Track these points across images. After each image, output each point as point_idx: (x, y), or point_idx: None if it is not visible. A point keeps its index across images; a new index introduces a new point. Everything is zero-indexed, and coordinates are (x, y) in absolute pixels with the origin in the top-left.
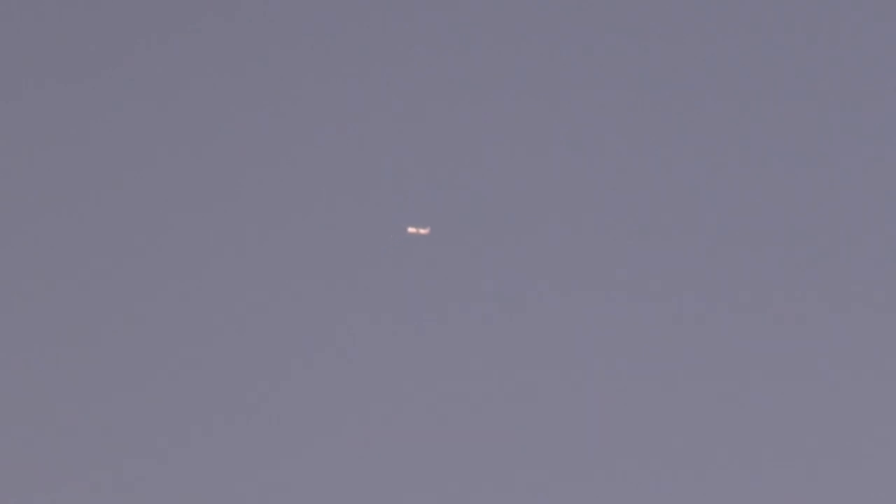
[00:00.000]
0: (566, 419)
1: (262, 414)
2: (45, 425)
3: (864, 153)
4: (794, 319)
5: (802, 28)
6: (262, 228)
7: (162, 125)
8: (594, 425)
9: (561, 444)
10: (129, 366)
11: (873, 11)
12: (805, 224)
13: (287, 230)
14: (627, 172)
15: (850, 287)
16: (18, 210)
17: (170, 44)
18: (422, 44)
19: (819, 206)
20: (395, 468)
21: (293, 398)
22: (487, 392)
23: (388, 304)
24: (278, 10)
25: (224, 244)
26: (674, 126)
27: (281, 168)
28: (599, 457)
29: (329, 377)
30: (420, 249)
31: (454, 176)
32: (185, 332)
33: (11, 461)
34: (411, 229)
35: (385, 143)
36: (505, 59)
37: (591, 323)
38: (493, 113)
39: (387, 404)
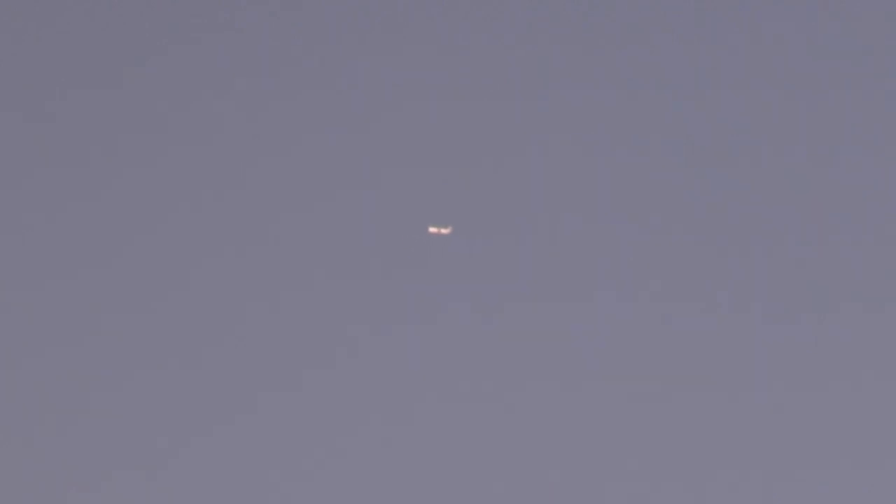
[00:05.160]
0: (566, 422)
1: (264, 417)
2: (63, 430)
3: (863, 155)
4: (792, 323)
5: (801, 31)
6: (274, 228)
7: (170, 131)
8: (592, 427)
9: (560, 447)
10: (133, 370)
11: (873, 12)
12: (803, 227)
13: (299, 231)
14: (630, 177)
15: (850, 288)
16: (31, 217)
17: (172, 49)
18: (427, 47)
19: (817, 208)
20: (393, 471)
21: (301, 396)
22: (494, 393)
23: (392, 306)
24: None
25: (237, 245)
26: (671, 132)
27: (293, 169)
28: (596, 460)
29: (326, 378)
30: (420, 254)
31: (463, 181)
32: (196, 336)
33: (13, 463)
34: (433, 229)
35: (398, 146)
36: (516, 62)
37: (594, 324)
38: (492, 117)
39: (391, 406)
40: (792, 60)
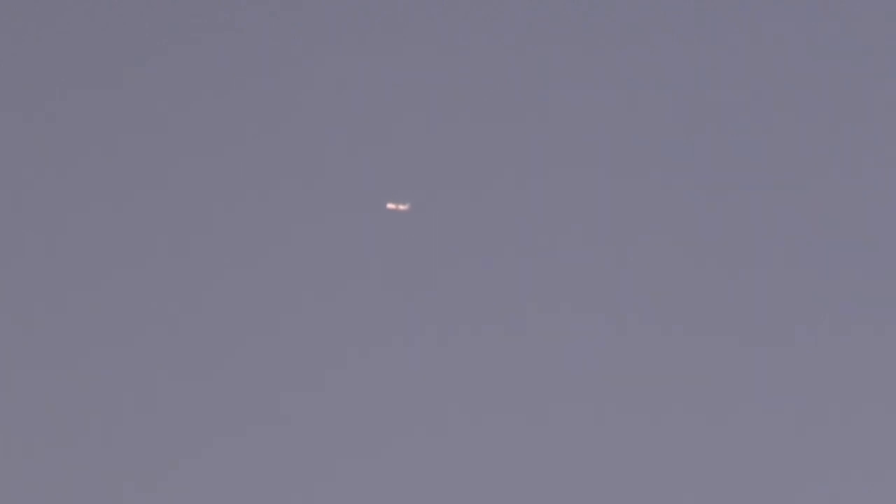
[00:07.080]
0: (565, 431)
1: (264, 421)
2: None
3: (865, 156)
4: (794, 335)
5: (801, 31)
6: (274, 229)
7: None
8: (592, 435)
9: (560, 454)
10: (132, 373)
11: (873, 12)
12: (805, 232)
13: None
14: (630, 177)
15: (853, 299)
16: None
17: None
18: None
19: (819, 213)
20: (392, 474)
21: (301, 400)
22: (496, 397)
23: (391, 313)
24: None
25: (235, 246)
26: (672, 132)
27: (293, 169)
28: (595, 466)
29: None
30: (419, 257)
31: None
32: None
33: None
34: (390, 205)
35: (397, 147)
36: (516, 62)
37: (594, 327)
38: (481, 124)
39: (390, 411)
40: (792, 60)
